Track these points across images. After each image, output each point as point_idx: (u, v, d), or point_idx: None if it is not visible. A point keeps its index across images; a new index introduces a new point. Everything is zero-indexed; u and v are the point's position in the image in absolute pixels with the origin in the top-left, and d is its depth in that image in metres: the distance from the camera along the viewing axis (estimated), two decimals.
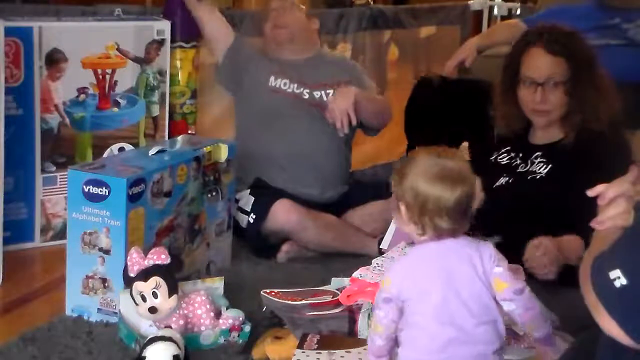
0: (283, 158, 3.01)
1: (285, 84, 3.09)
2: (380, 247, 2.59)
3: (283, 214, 2.83)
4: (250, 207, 2.89)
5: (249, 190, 2.95)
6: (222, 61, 3.17)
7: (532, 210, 2.58)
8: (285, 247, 2.86)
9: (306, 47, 3.19)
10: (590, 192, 1.57)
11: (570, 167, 2.58)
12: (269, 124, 3.05)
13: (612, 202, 1.52)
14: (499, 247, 1.80)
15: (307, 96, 3.09)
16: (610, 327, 1.32)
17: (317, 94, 3.11)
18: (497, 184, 2.71)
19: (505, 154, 2.76)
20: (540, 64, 2.63)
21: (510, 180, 2.70)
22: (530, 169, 2.67)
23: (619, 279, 1.29)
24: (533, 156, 2.68)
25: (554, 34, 2.65)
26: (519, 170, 2.70)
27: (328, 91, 3.10)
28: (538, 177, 2.64)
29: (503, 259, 1.74)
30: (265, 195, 2.91)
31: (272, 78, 3.10)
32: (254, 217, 2.87)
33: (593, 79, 2.62)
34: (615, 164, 2.36)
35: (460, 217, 1.71)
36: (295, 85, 3.09)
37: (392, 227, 2.52)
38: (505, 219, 2.53)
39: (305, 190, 3.00)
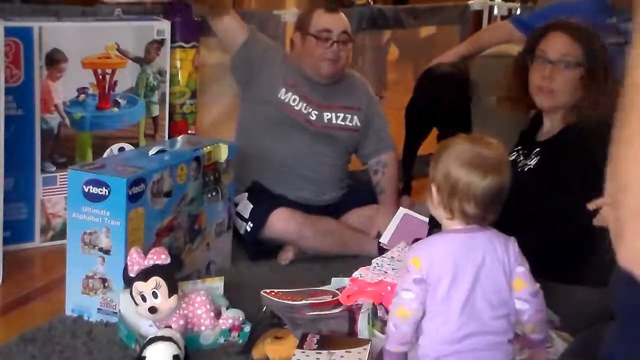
0: (280, 164, 3.00)
1: (294, 100, 3.02)
2: (380, 241, 2.59)
3: (281, 224, 2.82)
4: (248, 214, 2.88)
5: (246, 195, 2.94)
6: (237, 53, 3.08)
7: (518, 202, 2.61)
8: (286, 255, 2.86)
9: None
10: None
11: (553, 160, 2.59)
12: (270, 130, 3.02)
13: None
14: None
15: (314, 117, 3.03)
16: None
17: (327, 115, 3.06)
18: None
19: (515, 152, 2.77)
20: (557, 43, 2.63)
21: None
22: (525, 162, 2.69)
23: None
24: (534, 152, 2.69)
25: (575, 23, 2.67)
26: (518, 164, 2.71)
27: (339, 114, 3.08)
28: (526, 169, 2.65)
29: (525, 258, 1.78)
30: (263, 202, 2.89)
31: (282, 90, 3.02)
32: (251, 225, 2.86)
33: (607, 74, 2.62)
34: (598, 159, 2.38)
35: (488, 206, 1.75)
36: (305, 105, 3.02)
37: (393, 222, 2.53)
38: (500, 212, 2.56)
39: (302, 194, 2.99)
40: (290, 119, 3.01)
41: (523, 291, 1.77)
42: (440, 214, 1.80)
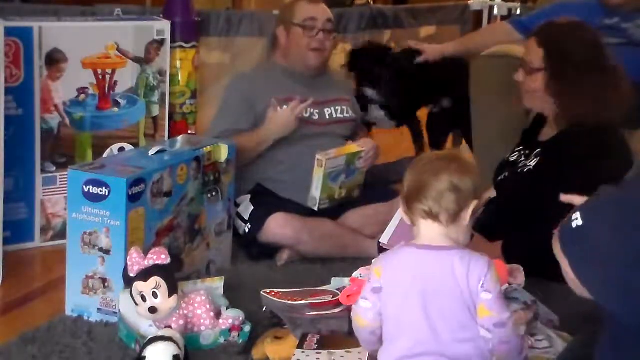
0: (285, 167, 2.99)
1: None
2: (380, 241, 2.59)
3: (277, 229, 2.82)
4: (248, 215, 2.89)
5: (249, 197, 2.95)
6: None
7: (517, 201, 2.61)
8: (284, 256, 2.86)
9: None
10: (564, 198, 1.63)
11: (552, 161, 2.59)
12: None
13: None
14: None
15: (316, 117, 3.05)
16: (568, 270, 1.37)
17: (327, 111, 3.09)
18: (499, 179, 2.76)
19: (517, 153, 2.78)
20: (527, 50, 2.69)
21: (507, 174, 2.74)
22: (525, 163, 2.69)
23: (576, 220, 1.35)
24: (535, 152, 2.69)
25: (551, 26, 2.67)
26: (519, 165, 2.72)
27: (337, 107, 3.12)
28: (526, 169, 2.66)
29: (496, 284, 1.68)
30: (264, 205, 2.89)
31: (277, 108, 3.00)
32: (249, 227, 2.87)
33: (584, 76, 2.58)
34: (593, 163, 2.40)
35: (431, 203, 1.72)
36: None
37: (394, 222, 2.52)
38: (499, 212, 2.57)
39: (304, 199, 2.98)
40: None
41: (486, 320, 1.68)
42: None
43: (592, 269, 1.32)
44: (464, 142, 4.05)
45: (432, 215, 1.73)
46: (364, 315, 1.75)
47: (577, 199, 1.61)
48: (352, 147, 2.98)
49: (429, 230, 1.75)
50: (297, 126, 2.96)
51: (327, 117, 3.09)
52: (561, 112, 2.62)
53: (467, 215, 1.74)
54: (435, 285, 1.68)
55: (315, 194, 2.91)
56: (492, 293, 1.67)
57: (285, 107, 2.95)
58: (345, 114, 3.15)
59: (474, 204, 1.74)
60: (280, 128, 2.96)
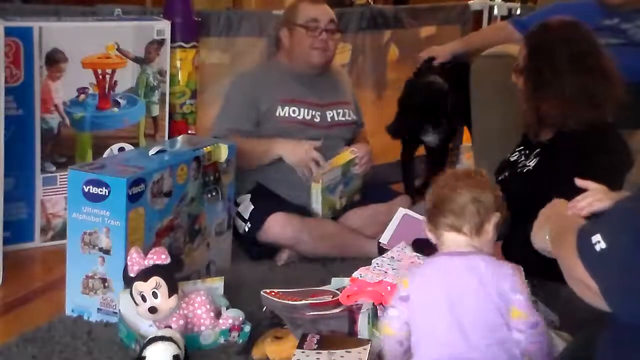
0: (286, 169, 2.98)
1: (294, 112, 3.02)
2: (380, 241, 2.59)
3: (277, 228, 2.82)
4: (248, 215, 2.89)
5: (249, 196, 2.95)
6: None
7: (517, 202, 2.61)
8: (284, 256, 2.86)
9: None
10: (579, 183, 1.64)
11: (550, 162, 2.59)
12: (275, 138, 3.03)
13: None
14: None
15: (318, 119, 3.05)
16: (574, 272, 1.38)
17: (329, 113, 3.09)
18: (499, 178, 2.76)
19: (517, 153, 2.78)
20: (519, 49, 2.70)
21: (507, 174, 2.74)
22: (525, 163, 2.69)
23: (598, 242, 1.34)
24: (534, 152, 2.69)
25: (540, 27, 2.68)
26: (519, 165, 2.72)
27: (339, 110, 3.12)
28: (525, 169, 2.66)
29: (525, 286, 1.75)
30: (264, 204, 2.89)
31: (279, 108, 3.01)
32: (249, 226, 2.87)
33: (561, 78, 2.57)
34: (592, 163, 2.39)
35: (454, 217, 1.78)
36: (306, 110, 3.03)
37: (394, 222, 2.53)
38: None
39: (305, 197, 2.98)
40: (295, 127, 3.01)
41: (519, 322, 1.72)
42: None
43: (617, 284, 1.32)
44: (464, 142, 4.05)
45: (456, 228, 1.78)
46: (390, 323, 1.80)
47: (592, 185, 1.63)
48: (346, 156, 2.98)
49: (454, 241, 1.80)
50: (302, 164, 2.93)
51: (329, 119, 3.09)
52: (528, 111, 2.62)
53: (489, 228, 1.80)
54: (462, 289, 1.71)
55: (316, 207, 2.91)
56: (523, 295, 1.73)
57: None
58: (347, 117, 3.14)
59: (496, 216, 1.81)
60: (288, 151, 2.95)
